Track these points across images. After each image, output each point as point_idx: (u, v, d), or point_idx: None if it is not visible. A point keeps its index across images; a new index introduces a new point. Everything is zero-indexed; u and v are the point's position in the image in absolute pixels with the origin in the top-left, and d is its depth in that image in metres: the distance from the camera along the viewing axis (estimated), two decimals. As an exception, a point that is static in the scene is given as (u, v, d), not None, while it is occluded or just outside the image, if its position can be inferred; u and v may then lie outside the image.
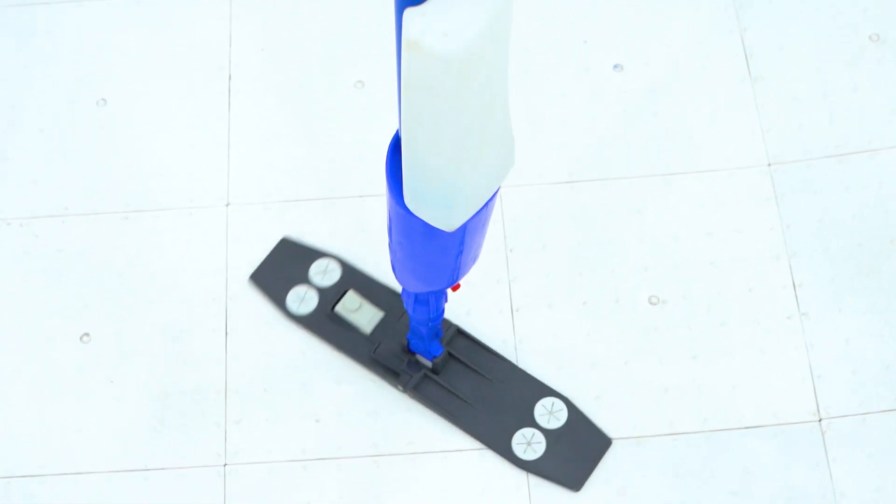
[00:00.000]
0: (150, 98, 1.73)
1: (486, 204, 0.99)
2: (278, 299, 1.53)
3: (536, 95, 1.69)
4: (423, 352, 1.44)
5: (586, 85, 1.70)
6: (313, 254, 1.56)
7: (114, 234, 1.62)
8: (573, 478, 1.43)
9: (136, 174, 1.66)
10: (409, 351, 1.47)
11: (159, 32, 1.77)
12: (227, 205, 1.64)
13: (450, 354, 1.48)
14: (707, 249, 1.58)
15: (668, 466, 1.45)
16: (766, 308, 1.55)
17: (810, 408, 1.48)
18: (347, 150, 1.66)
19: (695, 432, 1.47)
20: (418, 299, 1.27)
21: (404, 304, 1.33)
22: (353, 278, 1.54)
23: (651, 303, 1.55)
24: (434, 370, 1.47)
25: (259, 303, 1.56)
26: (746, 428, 1.48)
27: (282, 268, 1.55)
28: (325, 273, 1.54)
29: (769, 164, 1.64)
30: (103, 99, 1.73)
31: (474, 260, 1.15)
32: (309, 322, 1.51)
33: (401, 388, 1.47)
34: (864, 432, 1.46)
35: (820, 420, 1.47)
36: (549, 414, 1.46)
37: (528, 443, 1.45)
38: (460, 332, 1.51)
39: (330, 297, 1.52)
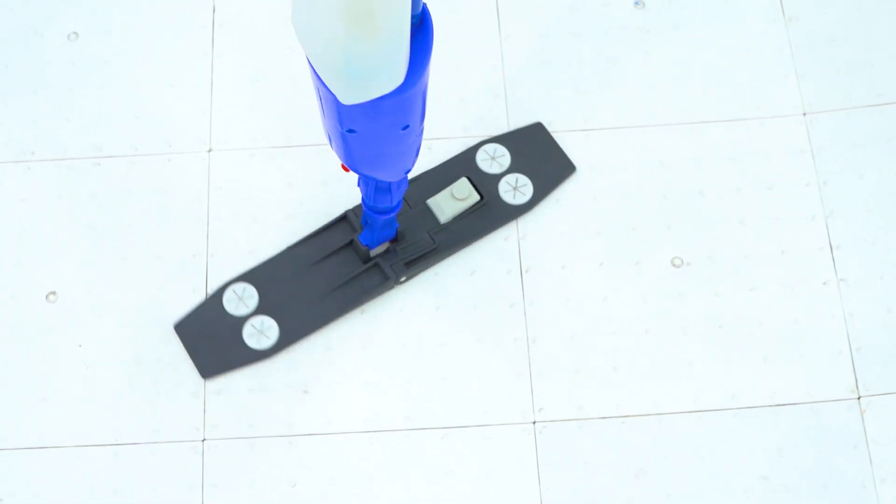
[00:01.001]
0: (125, 32, 1.61)
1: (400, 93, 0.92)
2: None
3: (546, 28, 1.59)
4: (379, 240, 1.39)
5: (603, 21, 1.59)
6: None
7: (84, 182, 1.51)
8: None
9: (109, 116, 1.55)
10: (368, 254, 1.42)
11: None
12: (210, 150, 1.53)
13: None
14: (736, 206, 1.48)
15: (690, 447, 1.35)
16: (800, 273, 1.45)
17: (848, 384, 1.38)
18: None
19: (721, 409, 1.38)
20: (378, 187, 1.22)
21: (362, 197, 1.28)
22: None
23: (674, 265, 1.45)
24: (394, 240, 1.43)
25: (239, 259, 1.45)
26: (778, 405, 1.38)
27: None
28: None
29: (804, 114, 1.54)
30: (74, 32, 1.61)
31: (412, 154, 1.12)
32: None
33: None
34: (907, 412, 1.35)
35: (859, 398, 1.37)
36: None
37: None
38: None
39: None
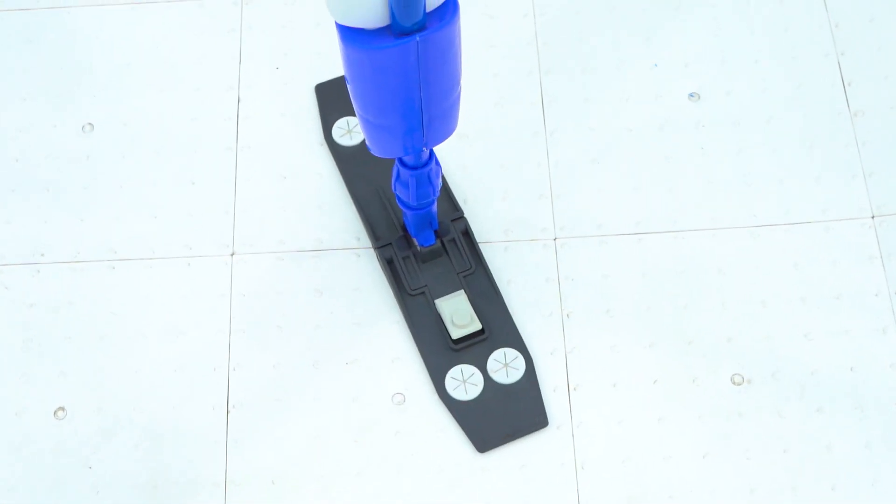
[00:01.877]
0: (144, 123, 1.59)
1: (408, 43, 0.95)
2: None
3: (599, 125, 1.56)
4: (414, 236, 1.39)
5: (657, 115, 1.58)
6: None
7: (98, 287, 1.47)
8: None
9: (125, 215, 1.52)
10: (405, 229, 1.42)
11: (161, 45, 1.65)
12: (233, 254, 1.49)
13: (444, 249, 1.42)
14: (800, 318, 1.44)
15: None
16: (872, 392, 1.40)
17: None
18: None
19: None
20: (397, 177, 1.23)
21: (402, 200, 1.30)
22: None
23: (734, 382, 1.40)
24: (418, 258, 1.41)
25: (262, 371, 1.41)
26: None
27: None
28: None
29: (873, 217, 1.51)
30: (90, 124, 1.58)
31: (444, 123, 1.12)
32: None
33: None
34: None
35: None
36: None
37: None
38: (466, 234, 1.44)
39: None
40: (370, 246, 1.47)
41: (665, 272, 1.48)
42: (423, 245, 1.38)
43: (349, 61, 0.96)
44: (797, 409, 1.39)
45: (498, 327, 1.40)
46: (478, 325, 1.38)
